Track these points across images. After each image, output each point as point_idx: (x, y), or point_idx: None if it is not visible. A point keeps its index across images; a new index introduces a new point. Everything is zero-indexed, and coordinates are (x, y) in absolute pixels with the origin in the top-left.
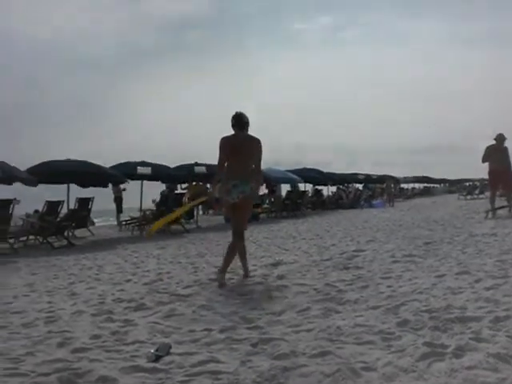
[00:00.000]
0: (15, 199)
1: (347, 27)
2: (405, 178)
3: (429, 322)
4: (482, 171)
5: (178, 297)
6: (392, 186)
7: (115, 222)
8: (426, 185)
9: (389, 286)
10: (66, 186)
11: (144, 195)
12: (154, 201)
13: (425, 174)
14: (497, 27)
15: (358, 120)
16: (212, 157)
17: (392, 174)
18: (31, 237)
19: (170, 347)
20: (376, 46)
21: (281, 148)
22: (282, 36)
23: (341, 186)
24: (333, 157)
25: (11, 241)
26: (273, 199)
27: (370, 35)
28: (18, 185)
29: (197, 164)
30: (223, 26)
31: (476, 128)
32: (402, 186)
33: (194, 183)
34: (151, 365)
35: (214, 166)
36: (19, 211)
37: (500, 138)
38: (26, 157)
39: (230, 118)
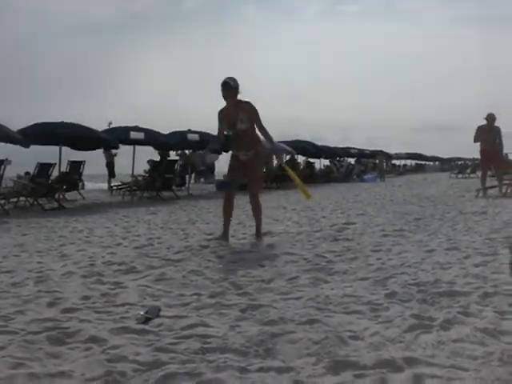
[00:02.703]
0: (6, 159)
1: (347, 1)
2: (396, 154)
3: (417, 294)
4: (474, 151)
5: (168, 261)
6: (384, 161)
7: (106, 187)
8: (418, 162)
9: (378, 259)
10: (57, 148)
11: (136, 161)
12: (145, 171)
13: (418, 152)
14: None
15: (354, 95)
16: (205, 126)
17: (385, 150)
18: (22, 198)
19: (160, 310)
20: (376, 21)
21: (277, 121)
22: (281, 7)
23: (334, 160)
24: (328, 131)
25: (2, 201)
26: (265, 169)
27: (370, 10)
28: (9, 146)
29: (190, 131)
30: None
31: (472, 107)
32: (394, 162)
33: (186, 151)
34: (140, 326)
35: (207, 133)
36: (10, 173)
37: (490, 118)
38: (21, 118)
39: None
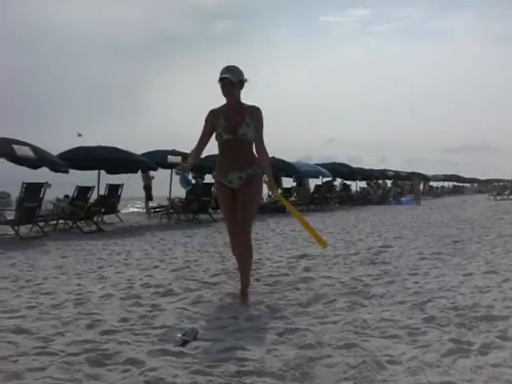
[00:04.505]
0: (46, 183)
1: (378, 21)
2: (434, 175)
3: (455, 319)
4: None
5: (205, 284)
6: (420, 183)
7: (144, 209)
8: (455, 183)
9: (416, 283)
10: (96, 172)
11: (173, 184)
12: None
13: (455, 173)
14: None
15: (390, 117)
16: None
17: (421, 172)
18: (61, 221)
19: (197, 333)
20: (409, 42)
21: (312, 142)
22: (310, 28)
23: (371, 182)
24: (364, 153)
25: (41, 224)
26: (295, 193)
27: (402, 30)
28: (48, 169)
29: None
30: (250, 17)
31: (509, 128)
32: (432, 184)
33: None
34: (178, 349)
35: None
36: (50, 196)
37: None
38: (56, 141)
39: None
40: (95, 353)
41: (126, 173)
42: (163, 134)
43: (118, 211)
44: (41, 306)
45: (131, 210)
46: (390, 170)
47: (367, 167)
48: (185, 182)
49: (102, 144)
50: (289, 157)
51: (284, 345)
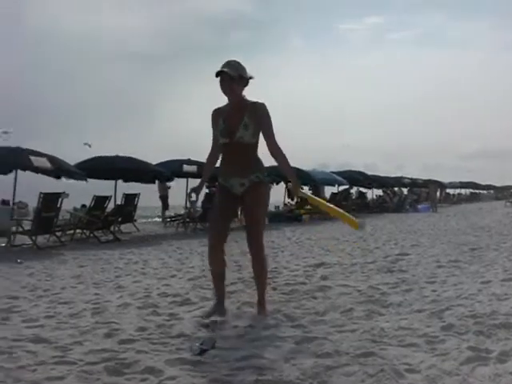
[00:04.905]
0: (64, 193)
1: (393, 29)
2: (450, 183)
3: (473, 327)
4: None
5: None
6: (436, 190)
7: (160, 219)
8: (472, 190)
9: (433, 291)
10: (113, 181)
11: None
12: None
13: (472, 180)
14: None
15: (405, 124)
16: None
17: (438, 179)
18: (78, 230)
19: (215, 341)
20: (427, 48)
21: (327, 149)
22: (326, 37)
23: (387, 190)
24: (380, 160)
25: (58, 234)
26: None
27: (420, 37)
28: (65, 179)
29: None
30: (267, 26)
31: None
32: (448, 191)
33: None
34: (196, 358)
35: None
36: (67, 205)
37: None
38: (71, 152)
39: None
40: (113, 362)
41: (142, 183)
42: (178, 143)
43: (135, 220)
44: (59, 315)
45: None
46: (407, 178)
47: (383, 175)
48: (192, 205)
49: (120, 154)
50: (305, 164)
51: (302, 353)
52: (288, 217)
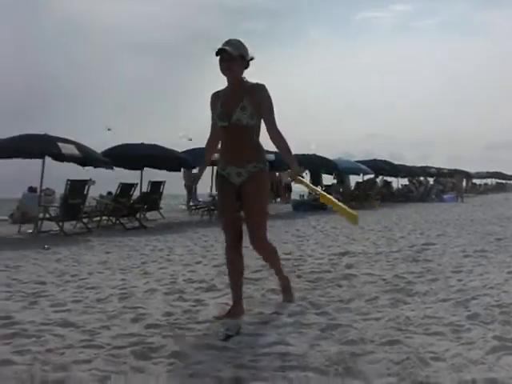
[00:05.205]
0: (90, 180)
1: (419, 16)
2: (477, 173)
3: (499, 316)
4: None
5: (247, 280)
6: (462, 180)
7: (185, 206)
8: (498, 181)
9: (459, 280)
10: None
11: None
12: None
13: (498, 170)
14: None
15: (430, 113)
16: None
17: (464, 169)
18: (104, 217)
19: (240, 327)
20: (452, 35)
21: (352, 139)
22: (349, 25)
23: (413, 179)
24: (405, 149)
25: (85, 220)
26: (341, 189)
27: (445, 24)
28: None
29: (266, 152)
30: (288, 15)
31: None
32: (475, 181)
33: None
34: (222, 343)
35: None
36: (93, 192)
37: None
38: (94, 140)
39: None
40: (140, 346)
41: (168, 170)
42: (203, 132)
43: (161, 208)
44: (86, 299)
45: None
46: (432, 167)
47: (409, 164)
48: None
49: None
50: (329, 153)
51: (327, 340)
52: (313, 205)
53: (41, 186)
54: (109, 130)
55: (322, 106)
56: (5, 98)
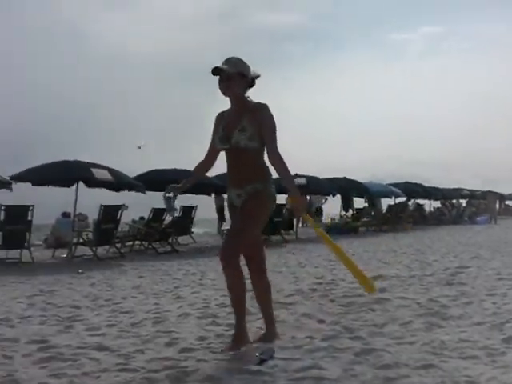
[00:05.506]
0: (123, 205)
1: (451, 38)
2: (511, 194)
3: None
4: None
5: (280, 304)
6: (496, 202)
7: (215, 231)
8: None
9: (493, 303)
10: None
11: None
12: None
13: None
14: None
15: (460, 134)
16: (311, 170)
17: (498, 191)
18: (137, 242)
19: (274, 352)
20: (483, 57)
21: (382, 161)
22: (379, 47)
23: (446, 202)
24: (435, 171)
25: (118, 245)
26: (373, 212)
27: (475, 46)
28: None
29: (297, 175)
30: (320, 39)
31: None
32: (508, 202)
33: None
34: (256, 367)
35: (314, 177)
36: (125, 217)
37: None
38: (131, 166)
39: None
40: (175, 370)
41: (199, 194)
42: None
43: (192, 232)
44: (120, 324)
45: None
46: (465, 189)
47: (440, 186)
48: (168, 207)
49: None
50: (359, 176)
51: (361, 365)
52: (344, 229)
53: (74, 211)
54: (139, 147)
55: (353, 127)
56: (37, 125)
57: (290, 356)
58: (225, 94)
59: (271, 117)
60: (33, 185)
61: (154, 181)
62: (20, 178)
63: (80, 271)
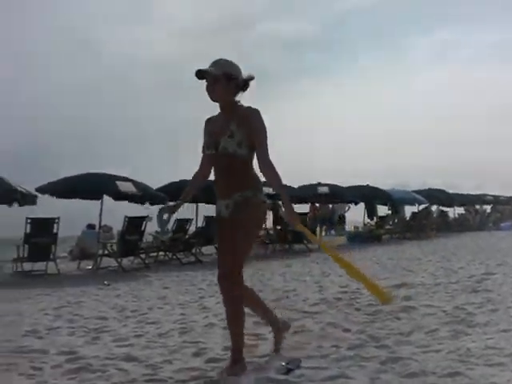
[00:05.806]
0: (148, 216)
1: (467, 44)
2: None
3: None
4: None
5: (305, 314)
6: None
7: None
8: None
9: None
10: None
11: (269, 213)
12: None
13: None
14: None
15: (482, 141)
16: (334, 178)
17: None
18: (161, 253)
19: (300, 361)
20: (496, 65)
21: (405, 170)
22: (387, 56)
23: (470, 208)
24: (459, 179)
25: (143, 256)
26: (396, 220)
27: (482, 54)
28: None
29: (320, 184)
30: (335, 46)
31: None
32: None
33: (317, 205)
34: (283, 377)
35: (337, 186)
36: (149, 228)
37: None
38: (154, 178)
39: None
40: (202, 380)
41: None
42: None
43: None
44: (147, 334)
45: None
46: (489, 195)
47: (465, 192)
48: (161, 225)
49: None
50: (382, 183)
51: (387, 373)
52: (368, 237)
53: (100, 223)
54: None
55: (374, 135)
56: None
57: (317, 365)
58: (211, 98)
59: (262, 123)
60: (57, 197)
61: (177, 192)
62: (44, 190)
63: (106, 282)
